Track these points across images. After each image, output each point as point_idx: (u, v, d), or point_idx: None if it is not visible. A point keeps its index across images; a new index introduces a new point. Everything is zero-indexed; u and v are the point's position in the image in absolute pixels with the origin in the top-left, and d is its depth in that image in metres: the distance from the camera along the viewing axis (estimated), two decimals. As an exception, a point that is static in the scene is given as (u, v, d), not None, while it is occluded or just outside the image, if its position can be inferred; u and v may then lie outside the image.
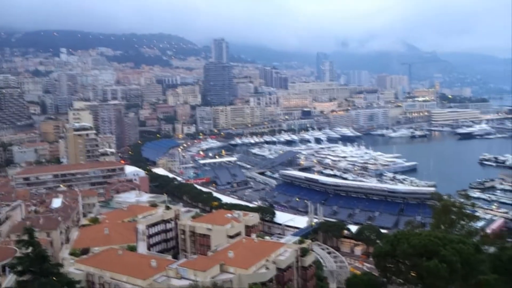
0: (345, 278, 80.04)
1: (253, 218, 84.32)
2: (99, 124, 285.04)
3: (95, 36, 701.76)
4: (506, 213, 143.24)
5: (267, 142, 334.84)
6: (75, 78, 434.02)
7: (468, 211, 60.19)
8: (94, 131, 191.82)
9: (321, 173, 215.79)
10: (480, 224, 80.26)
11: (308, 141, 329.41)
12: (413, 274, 43.45)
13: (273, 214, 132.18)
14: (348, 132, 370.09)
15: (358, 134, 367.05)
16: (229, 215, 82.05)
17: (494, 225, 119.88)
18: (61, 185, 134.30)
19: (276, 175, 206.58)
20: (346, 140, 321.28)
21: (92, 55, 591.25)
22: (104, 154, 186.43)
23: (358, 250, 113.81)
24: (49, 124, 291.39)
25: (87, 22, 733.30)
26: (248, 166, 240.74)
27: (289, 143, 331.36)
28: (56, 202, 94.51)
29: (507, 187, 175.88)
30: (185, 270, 54.81)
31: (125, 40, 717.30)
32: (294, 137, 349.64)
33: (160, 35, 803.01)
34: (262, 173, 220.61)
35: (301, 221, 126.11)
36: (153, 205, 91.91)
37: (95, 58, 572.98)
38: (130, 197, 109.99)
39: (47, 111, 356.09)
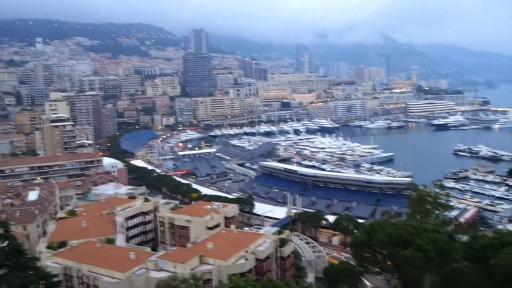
0: (323, 267, 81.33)
1: (232, 210, 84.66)
2: (76, 115, 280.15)
3: (72, 25, 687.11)
4: (479, 202, 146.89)
5: (246, 134, 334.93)
6: (52, 68, 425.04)
7: (442, 201, 61.66)
8: (71, 123, 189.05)
9: (300, 164, 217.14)
10: (454, 213, 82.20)
11: (287, 132, 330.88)
12: (389, 263, 44.47)
13: (252, 205, 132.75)
14: (326, 123, 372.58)
15: (337, 125, 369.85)
16: (209, 206, 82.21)
17: (468, 215, 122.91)
18: (38, 178, 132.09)
19: (256, 167, 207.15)
20: (324, 131, 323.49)
21: (69, 45, 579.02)
22: (82, 145, 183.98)
23: (336, 240, 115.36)
24: (25, 116, 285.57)
25: (63, 11, 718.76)
26: (228, 158, 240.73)
27: (268, 134, 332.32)
28: (33, 195, 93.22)
29: (480, 177, 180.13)
30: (164, 262, 54.88)
31: (103, 30, 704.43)
32: (273, 128, 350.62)
33: (139, 25, 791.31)
34: (241, 165, 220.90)
35: (280, 212, 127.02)
36: (132, 197, 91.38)
37: (72, 48, 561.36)
38: (108, 189, 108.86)
39: (23, 102, 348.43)
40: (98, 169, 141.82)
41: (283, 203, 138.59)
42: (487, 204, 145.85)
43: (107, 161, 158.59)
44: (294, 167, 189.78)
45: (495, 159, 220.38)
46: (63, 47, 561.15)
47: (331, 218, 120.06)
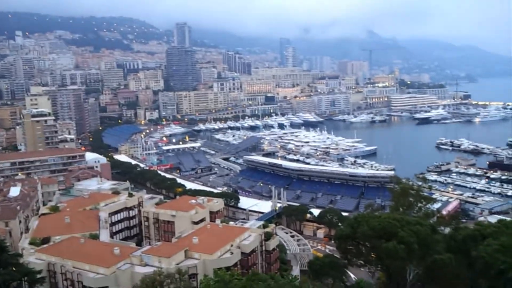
0: (308, 260, 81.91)
1: (218, 204, 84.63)
2: (58, 110, 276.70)
3: (52, 18, 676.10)
4: (461, 195, 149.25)
5: (230, 128, 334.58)
6: (32, 62, 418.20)
7: (425, 194, 62.53)
8: (53, 117, 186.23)
9: (284, 158, 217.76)
10: (436, 206, 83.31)
11: (272, 126, 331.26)
12: (373, 256, 45.00)
13: (237, 200, 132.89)
14: (310, 117, 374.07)
15: (320, 119, 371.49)
16: (193, 201, 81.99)
17: (450, 207, 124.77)
18: (19, 173, 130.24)
19: (240, 161, 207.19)
20: (308, 125, 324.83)
21: (50, 38, 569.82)
22: (64, 140, 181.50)
23: (321, 233, 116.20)
24: (5, 110, 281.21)
25: (44, 4, 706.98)
26: (212, 152, 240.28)
27: (252, 128, 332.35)
28: (14, 191, 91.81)
29: (462, 170, 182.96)
30: (149, 257, 54.68)
31: (84, 23, 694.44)
32: (258, 122, 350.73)
33: (121, 19, 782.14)
34: (226, 159, 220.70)
35: (265, 206, 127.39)
36: (116, 192, 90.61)
37: (52, 41, 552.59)
38: (91, 185, 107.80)
39: (3, 97, 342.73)
40: (81, 164, 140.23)
41: (268, 197, 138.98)
42: (469, 197, 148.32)
43: (90, 156, 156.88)
44: (278, 161, 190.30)
45: (476, 152, 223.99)
46: (43, 40, 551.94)
47: (315, 212, 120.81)
